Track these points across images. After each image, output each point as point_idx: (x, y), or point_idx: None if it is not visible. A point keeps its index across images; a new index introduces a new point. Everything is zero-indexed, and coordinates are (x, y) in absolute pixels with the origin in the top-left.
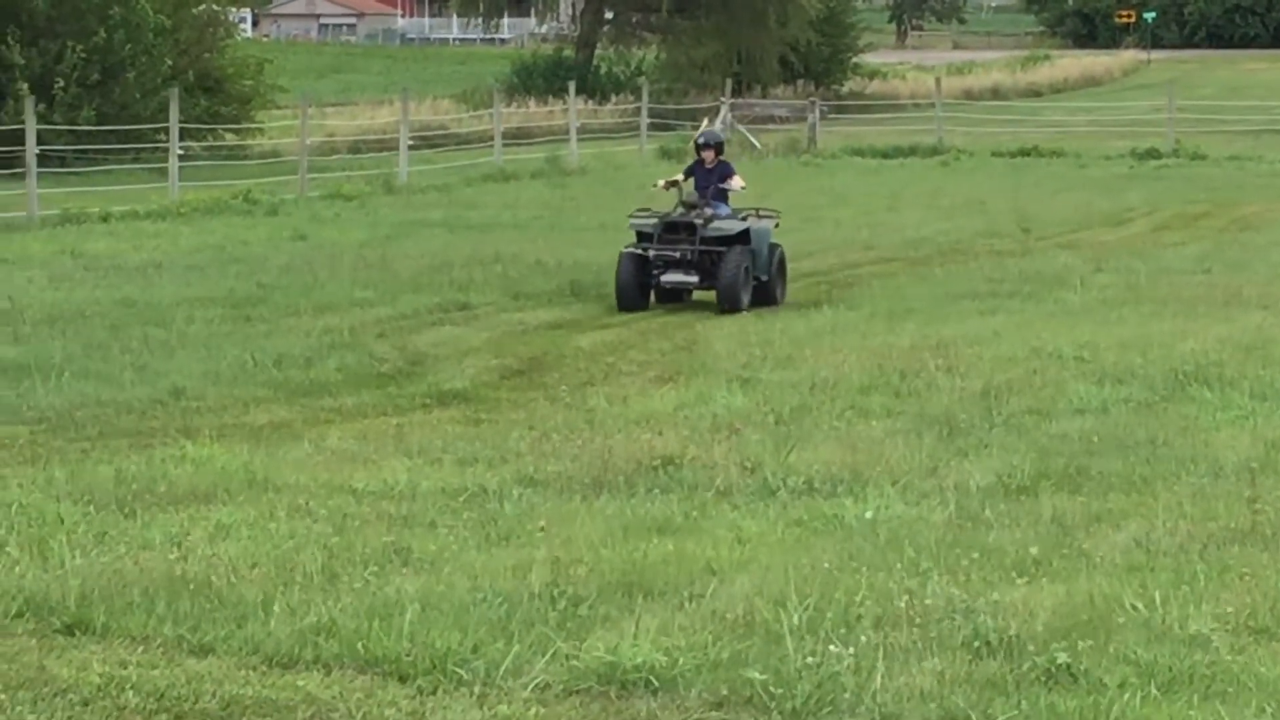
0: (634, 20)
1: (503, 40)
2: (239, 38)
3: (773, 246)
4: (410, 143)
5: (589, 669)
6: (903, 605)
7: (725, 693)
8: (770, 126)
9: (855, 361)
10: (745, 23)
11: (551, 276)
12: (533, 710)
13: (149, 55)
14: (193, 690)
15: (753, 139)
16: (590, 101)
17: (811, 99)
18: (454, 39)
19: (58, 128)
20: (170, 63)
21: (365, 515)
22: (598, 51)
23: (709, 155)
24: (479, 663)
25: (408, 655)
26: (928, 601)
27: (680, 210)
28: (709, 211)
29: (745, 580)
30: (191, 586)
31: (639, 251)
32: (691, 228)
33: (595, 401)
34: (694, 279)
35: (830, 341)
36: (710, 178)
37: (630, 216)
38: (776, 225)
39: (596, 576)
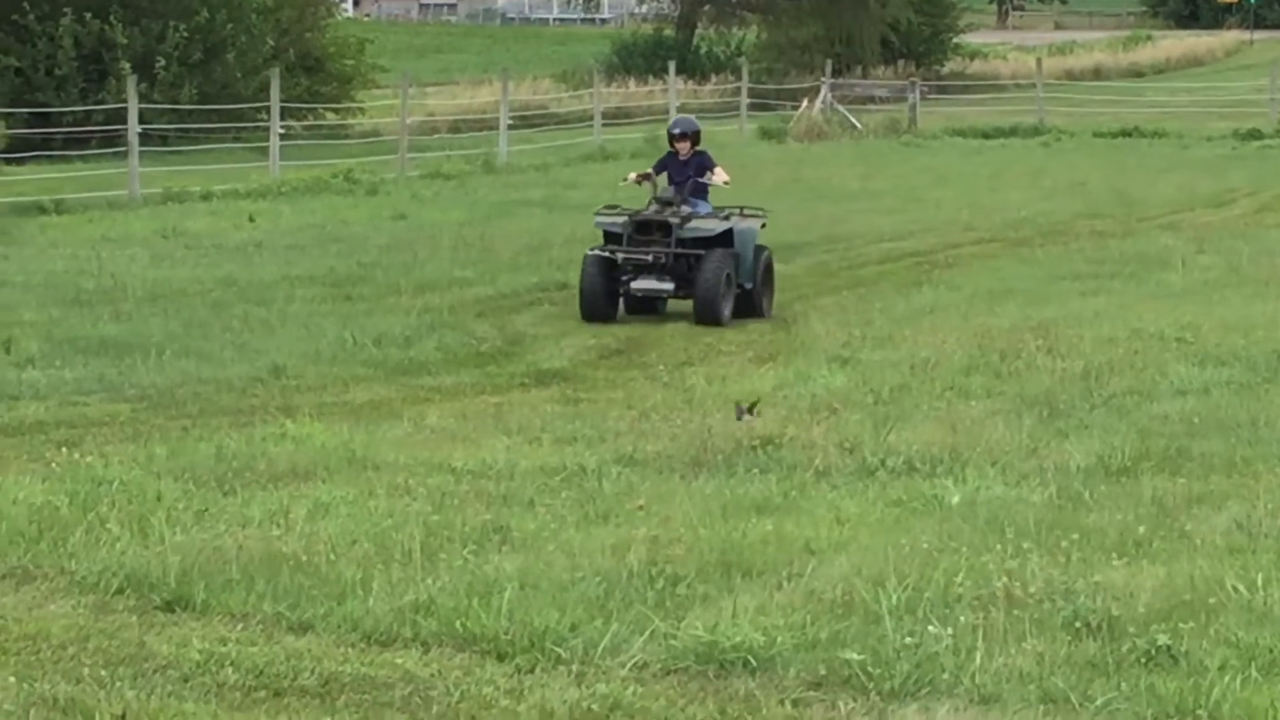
0: (734, 0)
1: (603, 20)
2: (340, 17)
3: (759, 250)
4: (510, 122)
5: (687, 648)
6: (1002, 586)
7: (823, 672)
8: (870, 107)
9: (955, 342)
10: (846, 3)
11: None
12: (631, 689)
13: (250, 35)
14: (292, 667)
15: (853, 119)
16: (690, 81)
17: (912, 79)
18: (554, 19)
19: (159, 107)
20: (271, 42)
21: (464, 494)
22: (698, 31)
23: (684, 146)
24: (577, 641)
25: (506, 633)
26: (1027, 583)
27: (654, 208)
28: (686, 209)
29: (844, 560)
30: (291, 564)
31: (606, 254)
32: (666, 228)
33: (694, 381)
34: (668, 286)
35: (930, 322)
36: (686, 171)
37: (596, 214)
38: (764, 225)
39: (695, 556)
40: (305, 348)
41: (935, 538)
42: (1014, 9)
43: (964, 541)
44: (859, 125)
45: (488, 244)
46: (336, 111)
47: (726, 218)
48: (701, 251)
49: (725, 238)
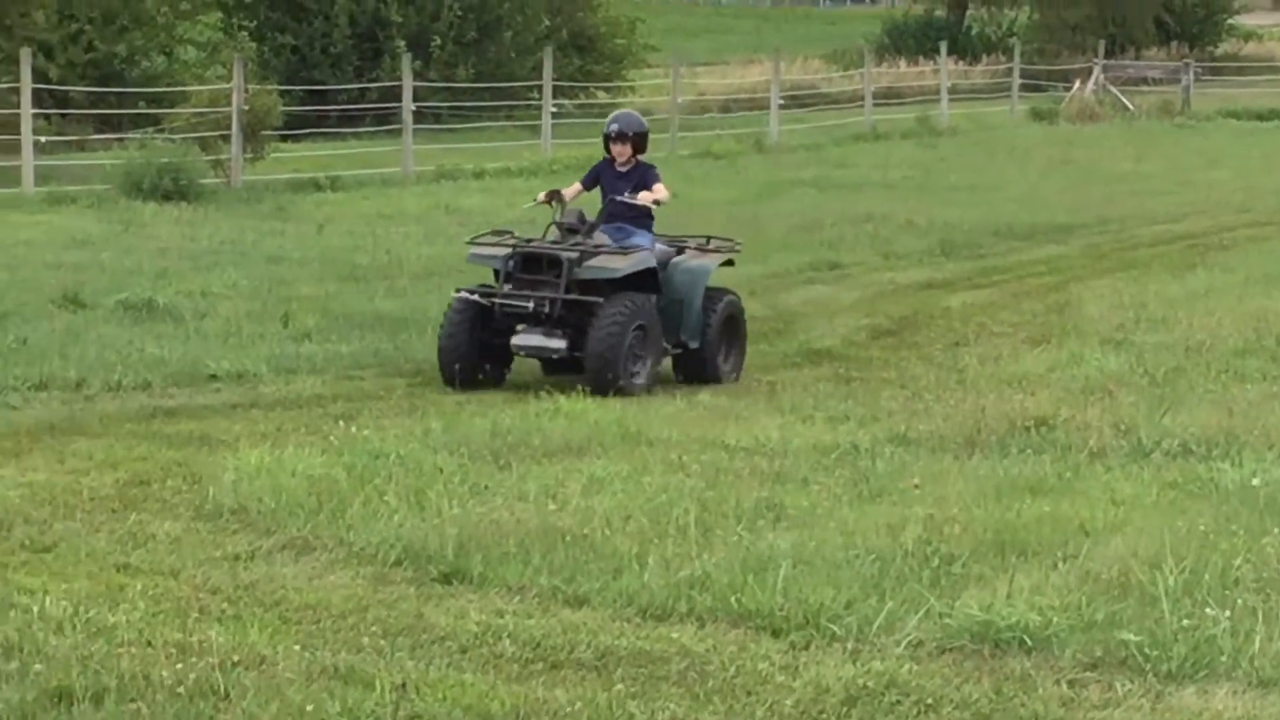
0: None
1: (873, 0)
2: None
3: (714, 295)
4: (780, 102)
5: (962, 627)
6: None
7: (1100, 654)
8: (1143, 89)
9: (1230, 325)
10: None
11: (922, 236)
12: (906, 667)
13: (524, 14)
14: (568, 640)
15: (1125, 101)
16: (961, 62)
17: (1185, 60)
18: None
19: (434, 85)
20: (546, 21)
21: (738, 470)
22: (969, 12)
23: (623, 151)
24: (852, 619)
25: (781, 610)
26: None
27: (553, 236)
28: (599, 239)
29: (1119, 542)
30: (567, 538)
31: (476, 298)
32: (557, 263)
33: (967, 361)
34: (559, 344)
35: (1204, 304)
36: (623, 186)
37: (470, 244)
38: (730, 263)
39: (969, 535)
40: None
41: (1212, 520)
42: None
43: (1242, 524)
44: (1131, 107)
45: (758, 223)
46: (608, 90)
47: (680, 250)
48: (598, 299)
49: (643, 280)
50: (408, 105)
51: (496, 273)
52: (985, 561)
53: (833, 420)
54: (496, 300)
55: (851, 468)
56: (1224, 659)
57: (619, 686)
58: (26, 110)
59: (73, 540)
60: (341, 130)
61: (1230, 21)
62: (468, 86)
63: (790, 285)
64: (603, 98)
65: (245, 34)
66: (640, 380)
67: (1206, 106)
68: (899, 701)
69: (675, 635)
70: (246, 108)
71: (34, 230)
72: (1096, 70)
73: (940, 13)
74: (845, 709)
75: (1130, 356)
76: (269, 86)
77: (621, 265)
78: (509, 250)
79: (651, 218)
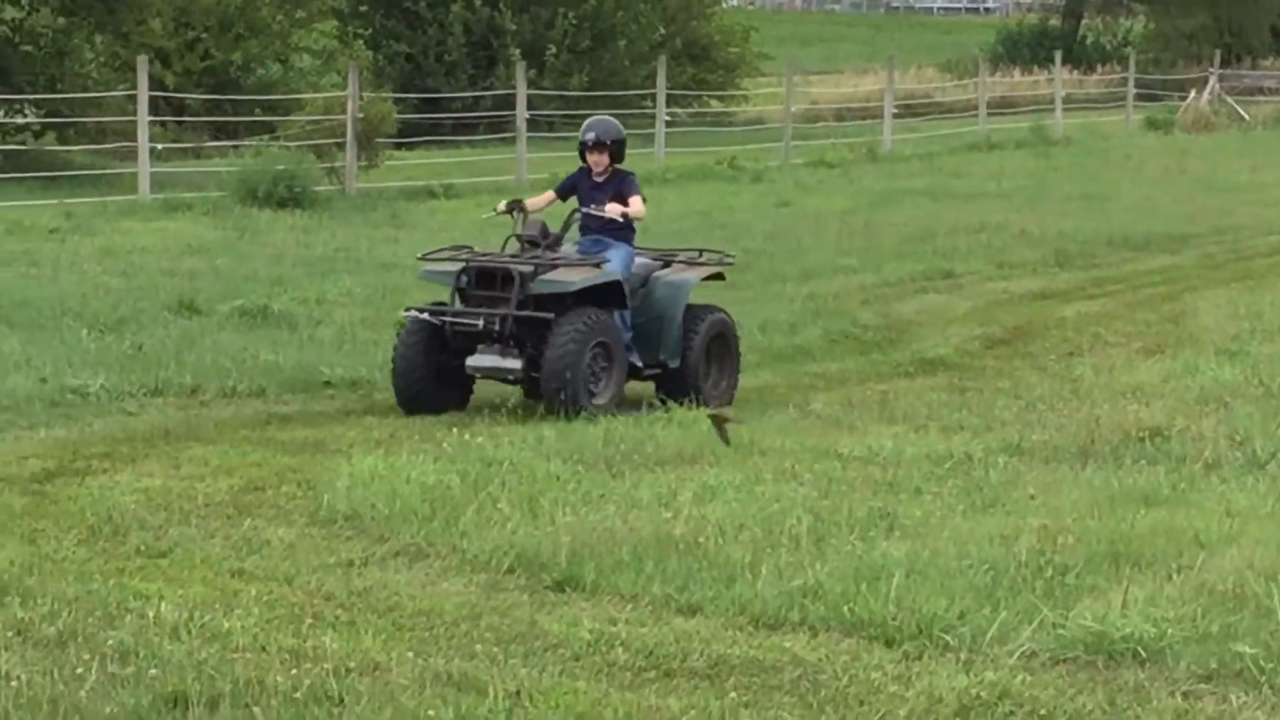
0: None
1: (988, 9)
2: (725, 5)
3: (699, 313)
4: (894, 111)
5: (1076, 638)
6: None
7: (1215, 666)
8: (1259, 98)
9: None
10: None
11: (1036, 246)
12: (1019, 677)
13: (639, 23)
14: (681, 649)
15: (1241, 111)
16: (1075, 71)
17: None
18: (938, 8)
19: (548, 93)
20: (660, 30)
21: (851, 480)
22: (1084, 21)
23: (600, 160)
24: (965, 629)
25: (894, 619)
26: None
27: (513, 250)
28: (567, 251)
29: (1235, 553)
30: (680, 546)
31: (427, 317)
32: (509, 279)
33: (1081, 371)
34: (514, 363)
35: None
36: (600, 195)
37: (422, 259)
38: (720, 276)
39: (1083, 546)
40: None
41: None
42: None
43: None
44: (1247, 116)
45: (871, 232)
46: (721, 99)
47: (665, 263)
48: (546, 314)
49: (606, 293)
50: (521, 113)
51: (451, 290)
52: (1099, 572)
53: (946, 430)
54: (446, 319)
55: (965, 477)
56: None
57: (732, 695)
58: (143, 117)
59: (188, 545)
60: (455, 138)
61: None
62: (581, 95)
63: (903, 294)
64: (716, 106)
65: (360, 42)
66: (601, 401)
67: None
68: (1012, 713)
69: (788, 644)
70: (361, 115)
71: (150, 237)
72: (1212, 80)
73: (1055, 22)
74: (959, 718)
75: (1245, 367)
76: (383, 94)
77: (578, 279)
78: (461, 266)
79: (633, 229)
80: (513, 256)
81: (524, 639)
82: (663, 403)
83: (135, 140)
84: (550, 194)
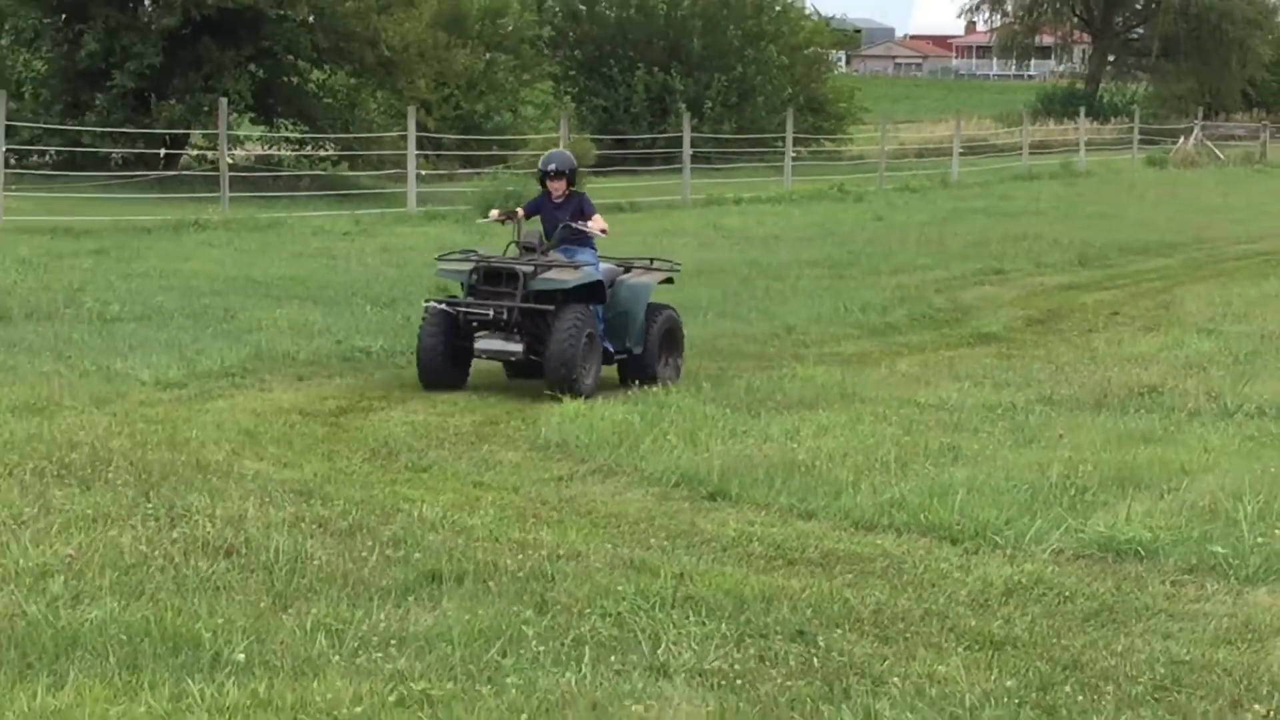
0: (1129, 62)
1: (1030, 76)
2: (836, 72)
3: (655, 310)
4: (960, 150)
5: (1092, 540)
6: None
7: (1194, 562)
8: (1231, 143)
9: None
10: (1215, 65)
11: (1064, 251)
12: (1049, 568)
13: (773, 84)
14: (800, 544)
15: (1217, 152)
16: (1095, 122)
17: (1264, 122)
18: (994, 75)
19: (705, 135)
20: (789, 90)
21: (927, 422)
22: (1101, 85)
23: (558, 186)
24: (1010, 532)
25: (958, 524)
26: None
27: (514, 253)
28: (554, 256)
29: (1210, 479)
30: (801, 469)
31: (447, 308)
32: (514, 277)
33: (1097, 343)
34: (516, 347)
35: (1276, 304)
36: (561, 215)
37: (439, 259)
38: (670, 280)
39: (1098, 472)
40: (809, 312)
41: None
42: None
43: None
44: (1222, 156)
45: (942, 240)
46: (833, 141)
47: (626, 269)
48: (548, 307)
49: (590, 291)
50: (686, 150)
51: (462, 285)
52: (1110, 492)
53: (997, 386)
54: (461, 309)
55: (1010, 421)
56: None
57: (838, 579)
58: (411, 151)
59: (442, 464)
60: (637, 168)
61: None
62: (730, 137)
63: (965, 286)
64: (829, 146)
65: (569, 98)
66: (588, 381)
67: (1279, 156)
68: (1045, 594)
69: (880, 542)
70: (569, 151)
71: (415, 238)
72: (1196, 129)
73: (1080, 86)
74: (1004, 598)
75: (1219, 342)
76: (586, 136)
77: (572, 278)
78: (472, 265)
79: (592, 239)
80: (514, 259)
81: (686, 535)
82: (625, 383)
83: (405, 168)
84: (522, 211)
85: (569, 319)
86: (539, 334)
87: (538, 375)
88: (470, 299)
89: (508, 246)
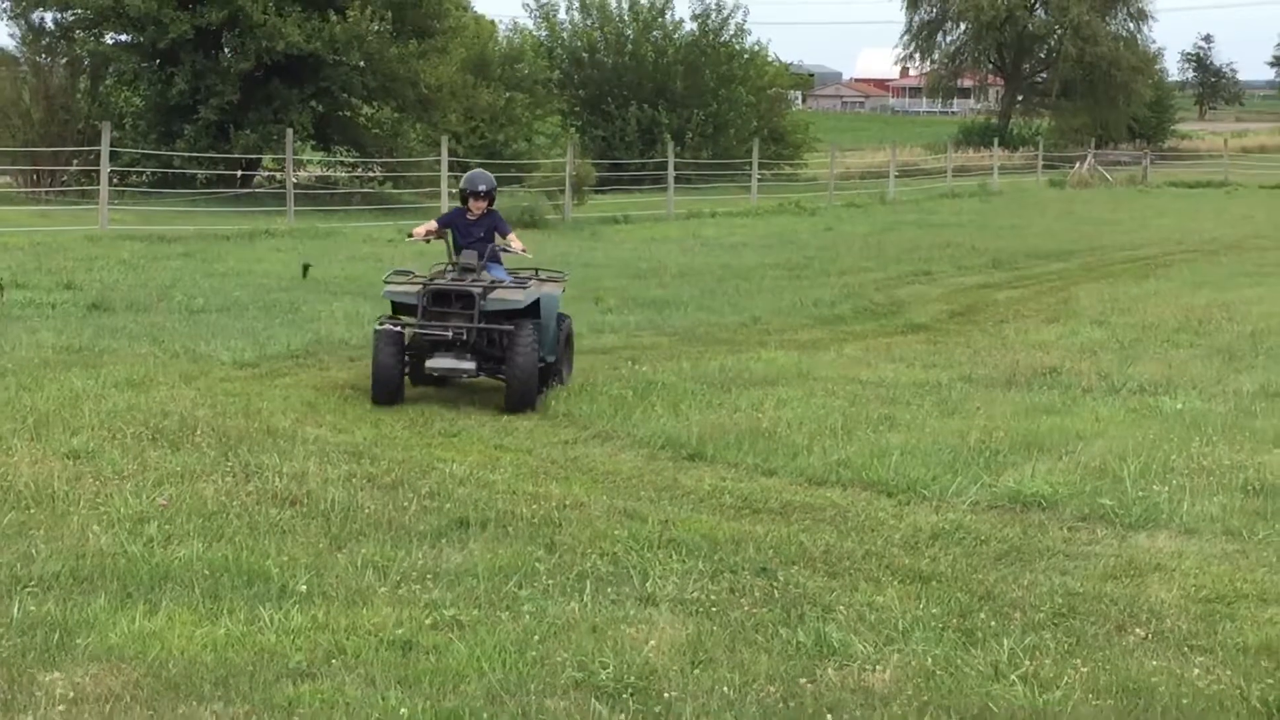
0: (1035, 101)
1: (953, 112)
2: (793, 109)
3: (561, 318)
4: (896, 173)
5: (1003, 493)
6: (1201, 463)
7: (1087, 512)
8: (1117, 168)
9: (1170, 313)
10: (1105, 103)
11: (981, 256)
12: (968, 517)
13: (742, 119)
14: (764, 496)
15: (1107, 175)
16: (1006, 150)
17: (1145, 150)
18: (924, 111)
19: (686, 160)
20: (755, 123)
21: (868, 396)
22: (1011, 120)
23: (480, 205)
24: (936, 486)
25: (893, 480)
26: (1217, 460)
27: (451, 275)
28: (489, 277)
29: (1100, 444)
30: (764, 435)
31: (397, 329)
32: (468, 299)
33: (1008, 332)
34: (469, 365)
35: (1154, 300)
36: (476, 231)
37: (385, 281)
38: (563, 290)
39: (1008, 438)
40: (771, 306)
41: (1158, 432)
42: (1209, 108)
43: (1176, 435)
44: (1110, 179)
45: (881, 247)
46: (791, 165)
47: (527, 283)
48: (506, 326)
49: (533, 309)
50: (670, 173)
51: (409, 307)
52: (1018, 454)
53: (926, 367)
54: (419, 331)
55: (937, 396)
56: (1164, 516)
57: (795, 525)
58: (444, 173)
59: (469, 430)
60: (630, 187)
61: (1173, 127)
62: (707, 162)
63: (900, 285)
64: (788, 170)
65: (574, 129)
66: (541, 395)
67: (1157, 179)
68: (964, 538)
69: (829, 495)
70: (574, 173)
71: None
72: (1090, 156)
73: (994, 120)
74: (931, 541)
75: (1108, 331)
76: (588, 161)
77: (522, 298)
78: (421, 287)
79: (499, 255)
80: (455, 280)
81: (670, 489)
82: (542, 389)
83: (439, 187)
84: (434, 223)
85: (526, 341)
86: (486, 352)
87: (438, 383)
88: (423, 320)
89: (445, 267)
